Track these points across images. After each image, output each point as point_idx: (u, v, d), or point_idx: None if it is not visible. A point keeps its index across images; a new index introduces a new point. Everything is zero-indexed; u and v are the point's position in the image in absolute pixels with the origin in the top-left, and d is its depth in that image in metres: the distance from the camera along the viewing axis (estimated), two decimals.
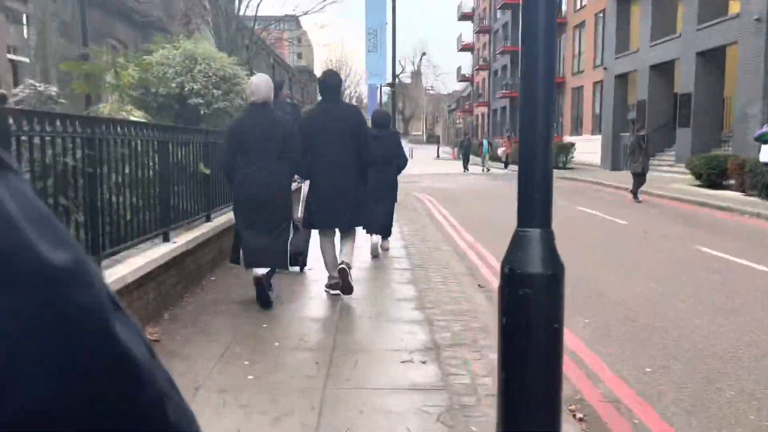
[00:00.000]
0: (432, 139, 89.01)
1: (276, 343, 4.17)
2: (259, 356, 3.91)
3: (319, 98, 5.65)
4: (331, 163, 5.17)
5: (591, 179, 21.04)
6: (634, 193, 14.45)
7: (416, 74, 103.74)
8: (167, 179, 5.24)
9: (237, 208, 5.05)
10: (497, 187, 19.47)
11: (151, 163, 5.04)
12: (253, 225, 4.84)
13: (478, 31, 58.47)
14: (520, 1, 2.61)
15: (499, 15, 51.71)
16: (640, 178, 14.28)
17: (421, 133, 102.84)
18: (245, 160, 4.82)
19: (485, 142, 32.75)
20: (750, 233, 9.93)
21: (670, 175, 20.64)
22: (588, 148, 30.12)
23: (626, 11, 26.91)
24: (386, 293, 5.62)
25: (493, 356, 3.06)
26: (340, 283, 5.16)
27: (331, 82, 5.41)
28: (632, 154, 14.28)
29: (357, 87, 60.51)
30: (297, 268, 6.00)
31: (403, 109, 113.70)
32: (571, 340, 4.33)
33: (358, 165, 5.29)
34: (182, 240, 5.33)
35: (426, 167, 33.99)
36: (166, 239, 5.19)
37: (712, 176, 16.34)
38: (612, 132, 27.35)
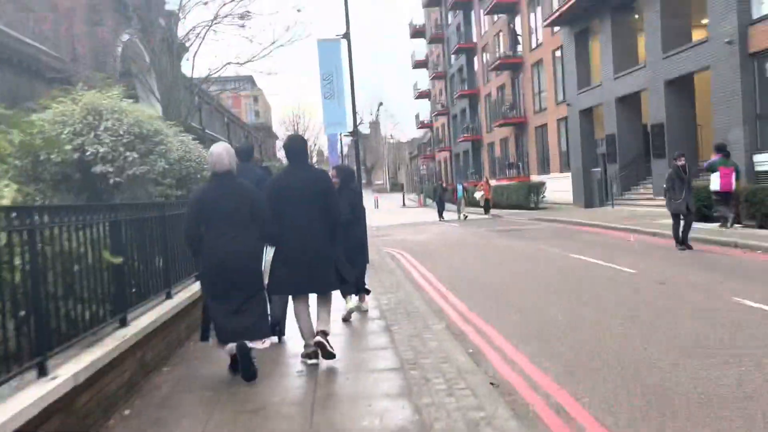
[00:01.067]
0: (396, 187, 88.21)
1: None
2: None
3: (284, 161, 5.70)
4: (302, 227, 5.12)
5: (568, 219, 19.87)
6: (681, 239, 11.42)
7: (375, 124, 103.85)
8: (39, 281, 3.58)
9: (206, 281, 4.84)
10: (479, 236, 18.07)
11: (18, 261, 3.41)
12: (226, 296, 4.70)
13: (434, 77, 58.43)
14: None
15: (453, 60, 51.71)
16: (686, 219, 11.39)
17: (383, 182, 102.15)
18: (213, 231, 4.73)
19: (459, 186, 29.02)
20: None
21: (652, 209, 19.60)
22: (558, 186, 29.24)
23: (584, 45, 26.47)
24: (372, 426, 3.97)
25: None
26: (318, 351, 5.08)
27: (296, 146, 5.42)
28: (670, 190, 11.36)
29: (317, 140, 59.33)
30: (275, 339, 5.61)
31: (364, 159, 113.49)
32: None
33: (327, 227, 5.28)
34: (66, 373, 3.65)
35: (394, 217, 32.63)
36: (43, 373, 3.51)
37: (703, 209, 15.24)
38: (582, 168, 26.51)
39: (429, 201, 46.80)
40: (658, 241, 13.19)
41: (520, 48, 35.10)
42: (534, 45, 32.88)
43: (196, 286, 6.66)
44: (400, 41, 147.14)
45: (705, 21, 19.57)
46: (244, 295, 4.73)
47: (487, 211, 28.03)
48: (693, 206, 11.56)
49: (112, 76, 13.25)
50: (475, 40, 45.02)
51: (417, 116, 69.05)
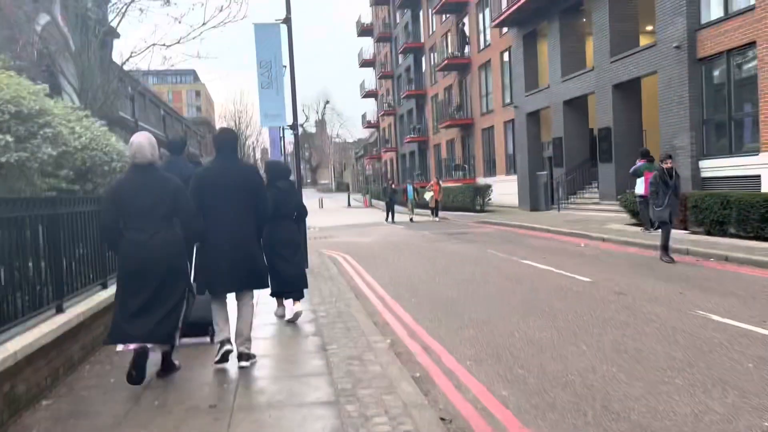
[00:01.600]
0: (342, 186, 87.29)
1: None
2: None
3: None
4: (228, 223, 4.92)
5: (516, 222, 19.47)
6: (665, 247, 10.33)
7: (321, 123, 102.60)
8: None
9: (122, 278, 4.54)
10: (426, 239, 17.39)
11: None
12: (138, 294, 4.42)
13: (381, 77, 57.78)
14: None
15: (401, 60, 51.19)
16: (666, 228, 10.27)
17: (329, 181, 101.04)
18: (133, 225, 4.48)
19: (410, 187, 27.77)
20: (738, 284, 8.24)
21: (598, 214, 19.43)
22: (504, 188, 29.01)
23: (533, 48, 26.28)
24: None
25: None
26: (232, 352, 4.96)
27: (226, 138, 5.24)
28: (654, 195, 10.27)
29: (260, 136, 57.73)
30: (207, 339, 5.67)
31: (309, 158, 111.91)
32: None
33: (253, 224, 5.12)
34: None
35: (338, 218, 31.73)
36: None
37: None
38: (528, 171, 26.31)
39: (375, 201, 46.11)
40: (609, 247, 12.81)
41: (468, 49, 34.81)
42: (482, 46, 32.61)
43: (102, 295, 5.69)
44: (347, 39, 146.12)
45: (652, 27, 19.60)
46: (160, 295, 4.46)
47: (435, 214, 26.24)
48: (677, 214, 10.73)
49: (23, 56, 11.88)
50: (422, 39, 44.60)
51: (364, 116, 68.23)
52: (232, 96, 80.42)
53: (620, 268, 9.99)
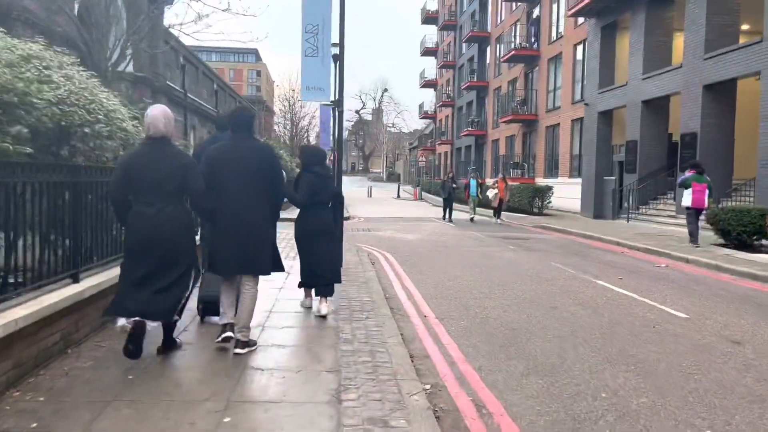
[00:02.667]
0: (393, 177, 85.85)
1: None
2: None
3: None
4: (239, 203, 4.74)
5: (580, 230, 17.51)
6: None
7: (377, 111, 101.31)
8: None
9: (126, 250, 4.54)
10: (479, 242, 15.72)
11: None
12: (139, 268, 4.37)
13: (442, 66, 55.85)
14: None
15: (464, 49, 49.19)
16: None
17: (380, 170, 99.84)
18: (141, 199, 4.41)
19: (473, 183, 23.09)
20: None
21: (675, 228, 17.30)
22: (566, 192, 26.94)
23: (611, 41, 24.06)
24: None
25: None
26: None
27: (242, 116, 4.99)
28: None
29: (313, 119, 56.51)
30: (216, 318, 5.32)
31: (363, 146, 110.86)
32: None
33: (268, 206, 4.93)
34: None
35: (386, 209, 30.27)
36: None
37: (743, 235, 12.96)
38: (595, 175, 24.17)
39: (425, 195, 44.44)
40: (696, 270, 10.87)
41: (537, 40, 32.66)
42: (554, 37, 30.43)
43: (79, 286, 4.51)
44: (409, 26, 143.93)
45: (749, 25, 17.31)
46: (161, 271, 4.40)
47: (497, 215, 22.53)
48: None
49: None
50: (489, 29, 42.49)
51: (421, 106, 66.49)
52: (288, 75, 79.49)
53: (719, 301, 8.13)
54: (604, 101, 23.83)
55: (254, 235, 4.77)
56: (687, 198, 13.38)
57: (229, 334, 4.78)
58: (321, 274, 6.24)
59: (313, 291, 6.45)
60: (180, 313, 4.65)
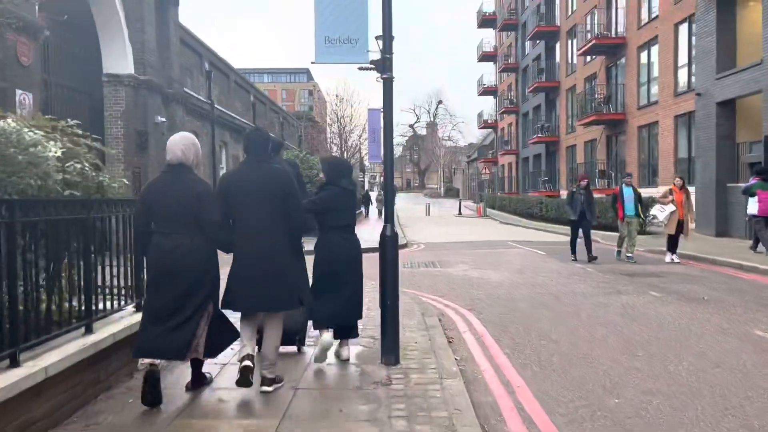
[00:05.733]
0: (450, 192, 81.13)
1: None
2: None
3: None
4: (255, 233, 4.40)
5: (734, 260, 12.43)
6: None
7: (432, 124, 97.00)
8: None
9: (147, 286, 4.43)
10: (593, 284, 11.12)
11: None
12: (155, 304, 4.20)
13: (503, 69, 51.12)
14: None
15: (527, 49, 44.46)
16: None
17: (437, 185, 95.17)
18: (159, 230, 4.25)
19: (628, 191, 13.66)
20: None
21: None
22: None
23: (730, 13, 18.99)
24: None
25: None
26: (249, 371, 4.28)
27: (256, 138, 4.63)
28: None
29: (363, 132, 52.42)
30: (294, 348, 5.52)
31: (418, 161, 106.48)
32: None
33: (288, 234, 4.54)
34: None
35: (449, 230, 25.78)
36: None
37: None
38: (715, 182, 19.03)
39: (490, 210, 39.64)
40: None
41: (620, 26, 27.75)
42: (645, 20, 25.48)
43: None
44: (464, 34, 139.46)
45: None
46: (176, 307, 4.13)
47: (672, 248, 13.31)
48: None
49: None
50: (558, 22, 37.71)
51: (480, 114, 61.76)
52: (335, 87, 75.90)
53: None
54: (725, 89, 18.74)
55: (276, 268, 4.37)
56: (753, 206, 12.52)
57: (248, 363, 4.26)
58: (341, 314, 5.18)
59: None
60: (214, 353, 4.44)
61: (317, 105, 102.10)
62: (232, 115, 24.96)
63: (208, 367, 4.79)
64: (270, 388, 4.42)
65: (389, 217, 5.40)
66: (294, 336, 5.40)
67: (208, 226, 4.22)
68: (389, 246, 5.25)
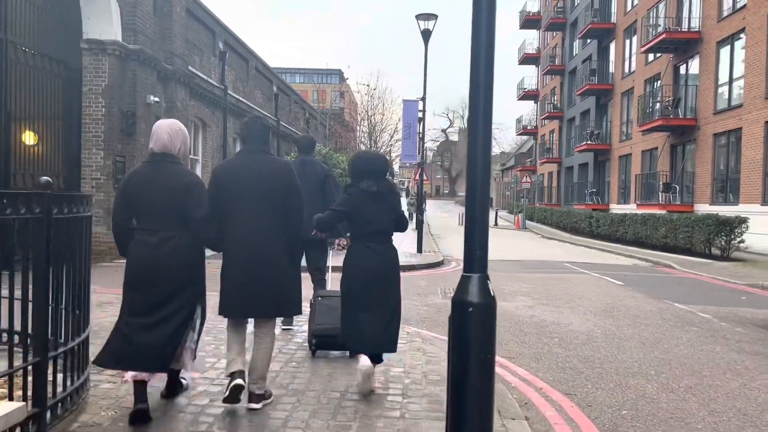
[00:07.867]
0: None
1: None
2: None
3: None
4: (248, 231, 3.94)
5: None
6: None
7: (465, 131, 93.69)
8: None
9: (124, 287, 3.88)
10: (731, 345, 7.90)
11: None
12: (135, 310, 3.70)
13: (546, 72, 47.65)
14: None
15: (576, 49, 41.01)
16: None
17: None
18: (142, 226, 3.78)
19: None
20: None
21: None
22: (758, 225, 18.28)
23: None
24: None
25: None
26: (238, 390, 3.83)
27: (254, 127, 4.13)
28: None
29: (396, 132, 49.22)
30: (347, 353, 5.18)
31: (450, 167, 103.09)
32: None
33: (285, 235, 4.06)
34: None
35: (490, 243, 22.58)
36: None
37: None
38: None
39: (530, 223, 36.21)
40: None
41: (696, 19, 24.30)
42: (727, 11, 22.01)
43: None
44: (504, 34, 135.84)
45: None
46: (156, 315, 3.65)
47: None
48: None
49: None
50: (614, 19, 34.27)
51: (519, 120, 58.28)
52: (368, 79, 72.92)
53: None
54: None
55: (269, 271, 3.93)
56: None
57: (238, 382, 3.79)
58: (375, 341, 4.44)
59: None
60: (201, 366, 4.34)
61: (348, 106, 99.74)
62: (249, 104, 22.13)
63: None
64: (258, 405, 3.97)
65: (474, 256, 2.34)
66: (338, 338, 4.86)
67: (192, 222, 3.72)
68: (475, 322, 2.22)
